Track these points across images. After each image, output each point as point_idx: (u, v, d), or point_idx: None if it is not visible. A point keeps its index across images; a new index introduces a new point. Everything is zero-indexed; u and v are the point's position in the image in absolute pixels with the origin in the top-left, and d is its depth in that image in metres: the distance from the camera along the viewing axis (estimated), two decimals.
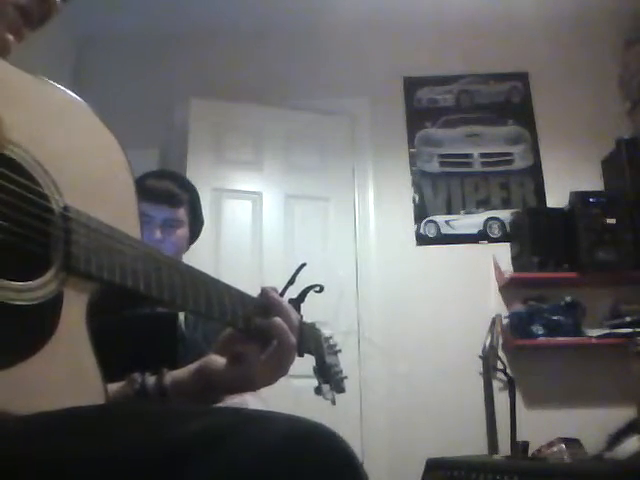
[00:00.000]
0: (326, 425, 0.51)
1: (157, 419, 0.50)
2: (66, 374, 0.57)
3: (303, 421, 0.51)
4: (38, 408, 0.52)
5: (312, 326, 0.95)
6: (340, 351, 1.02)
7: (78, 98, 0.71)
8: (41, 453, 0.45)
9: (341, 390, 0.97)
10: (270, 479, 0.45)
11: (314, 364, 0.96)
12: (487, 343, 2.80)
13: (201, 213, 1.65)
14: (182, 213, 1.55)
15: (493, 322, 2.85)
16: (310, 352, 0.94)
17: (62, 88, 0.69)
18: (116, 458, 0.45)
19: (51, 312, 0.57)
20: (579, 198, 2.90)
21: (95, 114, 0.71)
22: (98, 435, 0.47)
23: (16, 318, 0.54)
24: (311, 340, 0.94)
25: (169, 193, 1.52)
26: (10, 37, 0.69)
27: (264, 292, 0.84)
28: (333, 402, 0.94)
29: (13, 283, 0.54)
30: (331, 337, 1.01)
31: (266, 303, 0.83)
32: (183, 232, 1.55)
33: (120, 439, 0.46)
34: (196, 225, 1.62)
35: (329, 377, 0.95)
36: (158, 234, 1.49)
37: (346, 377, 1.00)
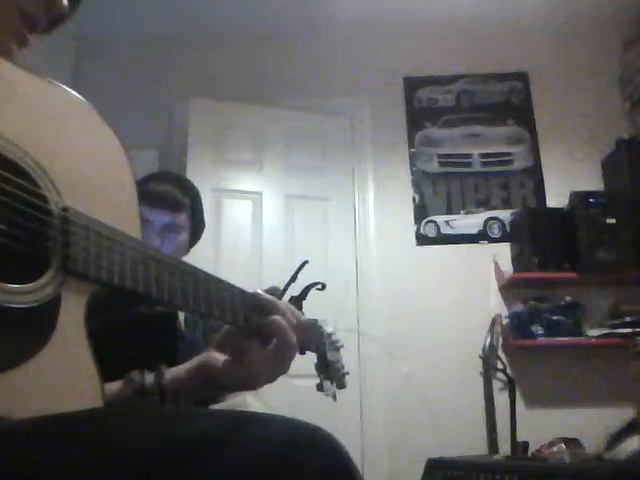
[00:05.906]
0: (325, 429, 0.51)
1: (154, 422, 0.49)
2: (64, 377, 0.57)
3: (302, 425, 0.51)
4: (36, 412, 0.51)
5: (314, 323, 0.95)
6: (342, 346, 1.01)
7: (82, 99, 0.70)
8: (33, 457, 0.45)
9: (342, 386, 0.97)
10: None
11: (315, 361, 0.95)
12: (487, 343, 2.80)
13: (203, 217, 1.61)
14: (183, 218, 1.51)
15: (493, 322, 2.85)
16: (312, 349, 0.93)
17: (66, 89, 0.69)
18: (110, 463, 0.44)
19: (49, 314, 0.57)
20: (579, 198, 2.90)
21: (99, 115, 0.71)
22: (90, 440, 0.47)
23: (14, 321, 0.54)
24: (312, 337, 0.93)
25: (170, 198, 1.48)
26: (14, 46, 0.68)
27: (256, 294, 0.83)
28: (334, 398, 0.94)
29: (10, 286, 0.54)
30: (333, 333, 1.00)
31: (260, 304, 0.83)
32: (183, 237, 1.52)
33: (115, 443, 0.46)
34: (197, 229, 1.59)
35: (330, 373, 0.95)
36: (157, 240, 1.45)
37: (348, 373, 1.00)
